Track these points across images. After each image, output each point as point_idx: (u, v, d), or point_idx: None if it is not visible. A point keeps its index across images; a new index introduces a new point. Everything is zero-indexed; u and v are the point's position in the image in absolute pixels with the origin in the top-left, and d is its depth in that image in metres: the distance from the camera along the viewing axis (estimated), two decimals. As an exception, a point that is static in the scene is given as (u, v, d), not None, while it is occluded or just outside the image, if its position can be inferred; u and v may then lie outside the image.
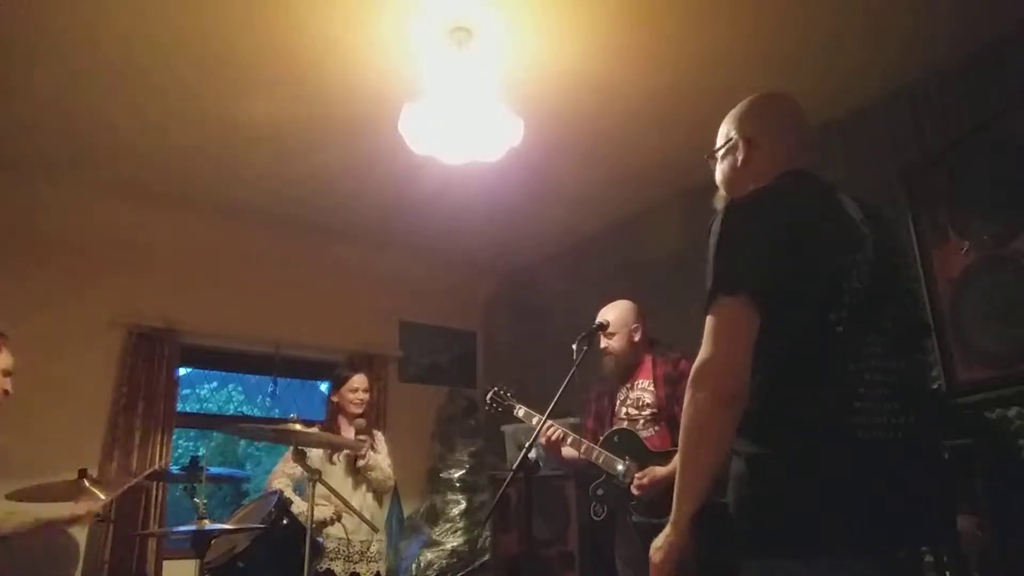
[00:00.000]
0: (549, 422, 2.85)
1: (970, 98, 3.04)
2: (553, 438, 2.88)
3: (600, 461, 2.84)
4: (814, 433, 1.22)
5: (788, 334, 1.25)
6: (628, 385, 2.99)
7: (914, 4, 2.79)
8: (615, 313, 3.00)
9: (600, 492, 2.90)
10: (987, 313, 2.84)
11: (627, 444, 2.86)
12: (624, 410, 2.96)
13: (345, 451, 3.41)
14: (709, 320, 1.27)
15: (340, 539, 3.28)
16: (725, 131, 1.60)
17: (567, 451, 2.92)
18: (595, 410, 3.09)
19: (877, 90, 3.33)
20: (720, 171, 1.60)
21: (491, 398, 3.15)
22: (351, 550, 3.29)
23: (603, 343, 2.97)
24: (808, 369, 1.25)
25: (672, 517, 1.27)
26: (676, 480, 1.28)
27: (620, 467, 2.81)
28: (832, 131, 3.55)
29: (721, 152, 1.59)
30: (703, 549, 1.25)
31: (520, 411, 3.05)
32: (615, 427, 2.94)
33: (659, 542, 1.30)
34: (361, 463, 3.36)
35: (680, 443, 1.29)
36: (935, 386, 2.90)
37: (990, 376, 2.79)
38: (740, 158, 1.53)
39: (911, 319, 1.36)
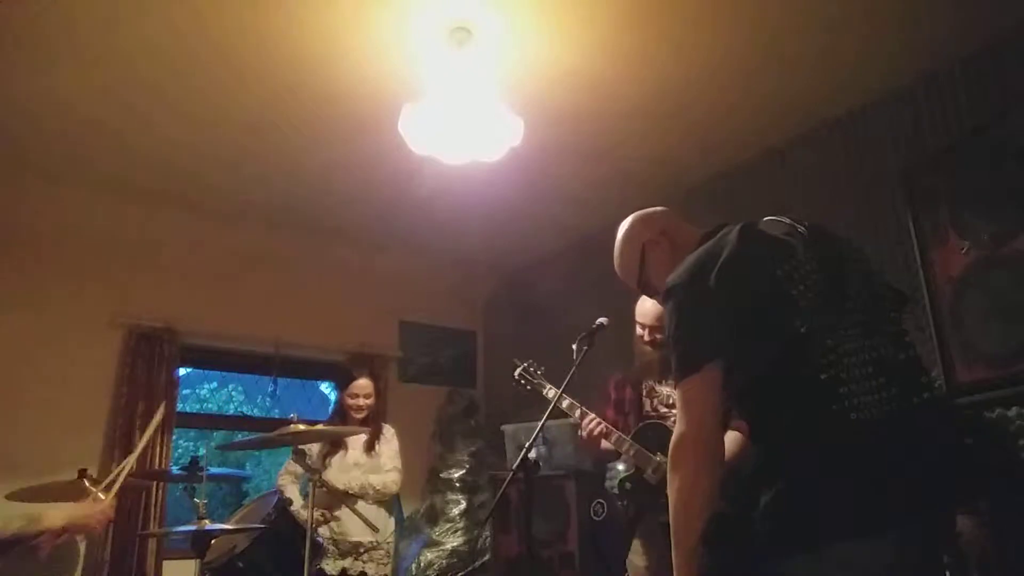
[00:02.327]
0: (591, 416, 2.74)
1: (970, 98, 3.04)
2: (596, 432, 2.73)
3: (632, 454, 2.69)
4: (809, 428, 1.26)
5: (759, 361, 1.32)
6: (655, 380, 2.86)
7: (914, 4, 2.80)
8: (658, 309, 2.77)
9: (628, 487, 2.75)
10: (987, 313, 2.84)
11: (659, 439, 2.68)
12: (651, 403, 2.84)
13: (341, 451, 3.41)
14: (678, 395, 1.37)
15: (337, 537, 3.28)
16: (638, 250, 1.67)
17: (606, 443, 2.75)
18: (615, 399, 2.93)
19: (877, 90, 3.33)
20: (656, 275, 1.64)
21: (520, 374, 2.96)
22: (347, 548, 3.29)
23: (648, 336, 2.81)
24: (787, 376, 1.31)
25: None
26: (674, 554, 1.32)
27: (652, 463, 2.65)
28: (832, 130, 3.55)
29: (646, 264, 1.67)
30: (718, 564, 1.26)
31: (549, 391, 2.88)
32: (646, 421, 2.79)
33: None
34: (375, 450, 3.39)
35: (672, 520, 1.34)
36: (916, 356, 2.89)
37: (990, 376, 2.79)
38: (665, 247, 1.64)
39: (873, 296, 1.40)
